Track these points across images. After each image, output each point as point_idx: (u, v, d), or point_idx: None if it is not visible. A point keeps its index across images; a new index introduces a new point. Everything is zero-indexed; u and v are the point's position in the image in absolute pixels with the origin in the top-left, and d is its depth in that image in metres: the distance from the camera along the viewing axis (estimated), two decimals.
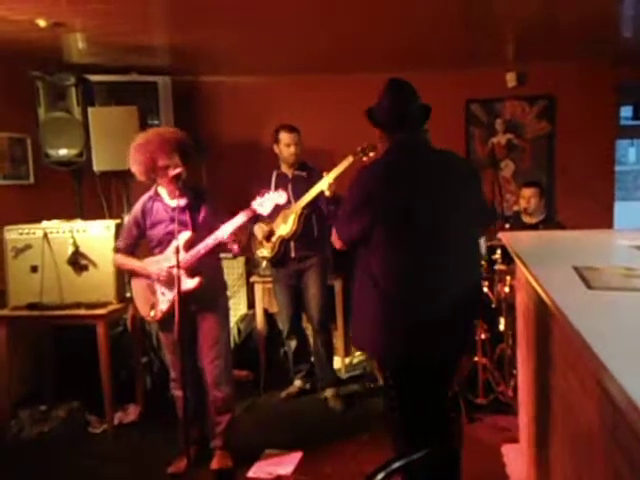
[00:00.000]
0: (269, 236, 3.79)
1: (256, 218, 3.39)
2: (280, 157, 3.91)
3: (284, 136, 3.86)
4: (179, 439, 3.03)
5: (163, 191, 2.93)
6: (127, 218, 3.06)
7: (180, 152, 2.79)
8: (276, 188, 3.88)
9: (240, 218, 2.78)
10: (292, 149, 3.84)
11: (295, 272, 3.90)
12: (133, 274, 3.04)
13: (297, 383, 4.12)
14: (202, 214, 2.91)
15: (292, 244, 3.81)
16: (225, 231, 2.76)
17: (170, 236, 2.81)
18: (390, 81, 2.31)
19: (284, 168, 3.93)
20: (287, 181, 3.89)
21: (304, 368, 4.13)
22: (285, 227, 3.76)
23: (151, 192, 2.96)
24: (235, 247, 2.90)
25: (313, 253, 3.87)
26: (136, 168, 2.83)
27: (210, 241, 2.79)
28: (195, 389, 3.00)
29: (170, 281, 2.80)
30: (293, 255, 3.83)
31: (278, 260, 3.86)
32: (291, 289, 3.96)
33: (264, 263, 4.06)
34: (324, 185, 3.60)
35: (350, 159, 3.56)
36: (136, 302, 3.05)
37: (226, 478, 2.99)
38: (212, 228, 2.83)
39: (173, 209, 2.88)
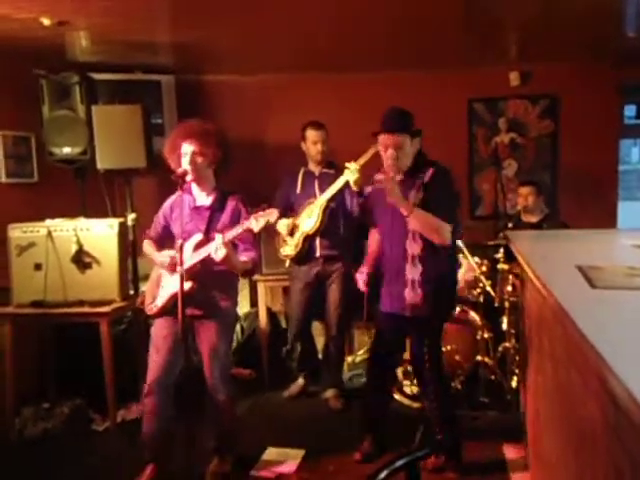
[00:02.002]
0: (292, 232, 3.71)
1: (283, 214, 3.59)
2: (307, 155, 3.87)
3: (311, 133, 3.82)
4: (145, 450, 2.95)
5: (195, 186, 2.90)
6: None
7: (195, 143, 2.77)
8: (302, 186, 3.83)
9: (234, 231, 2.68)
10: (319, 147, 3.80)
11: (317, 273, 3.80)
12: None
13: (300, 381, 4.10)
14: (224, 218, 2.85)
15: (317, 242, 3.73)
16: (217, 242, 2.65)
17: (186, 235, 2.77)
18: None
19: (311, 166, 3.89)
20: (313, 178, 3.84)
21: (307, 370, 4.11)
22: (309, 222, 3.65)
23: (186, 185, 2.89)
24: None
25: (338, 253, 3.78)
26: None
27: (209, 249, 2.70)
28: (167, 395, 2.88)
29: (171, 269, 2.80)
30: (318, 254, 3.75)
31: (302, 259, 3.79)
32: (309, 288, 3.86)
33: (287, 262, 3.91)
34: (349, 176, 3.51)
35: (375, 149, 3.35)
36: (146, 291, 3.04)
37: None
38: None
39: (195, 208, 2.87)
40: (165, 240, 2.99)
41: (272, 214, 2.67)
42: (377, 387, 3.18)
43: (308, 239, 3.71)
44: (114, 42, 3.82)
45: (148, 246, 3.02)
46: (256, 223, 2.64)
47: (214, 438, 3.03)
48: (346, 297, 3.82)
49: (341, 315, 3.85)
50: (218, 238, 2.66)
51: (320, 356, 4.20)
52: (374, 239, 3.18)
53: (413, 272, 2.82)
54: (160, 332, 2.89)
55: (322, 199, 3.65)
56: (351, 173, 3.49)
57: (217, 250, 2.63)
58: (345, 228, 3.77)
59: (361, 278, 3.19)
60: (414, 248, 2.82)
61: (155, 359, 2.87)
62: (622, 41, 4.17)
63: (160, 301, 2.89)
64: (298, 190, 3.84)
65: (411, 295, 2.83)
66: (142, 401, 2.94)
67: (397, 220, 2.82)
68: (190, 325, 2.87)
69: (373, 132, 2.92)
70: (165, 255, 2.87)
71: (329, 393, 3.93)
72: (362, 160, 3.48)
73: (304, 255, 3.75)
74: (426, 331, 2.90)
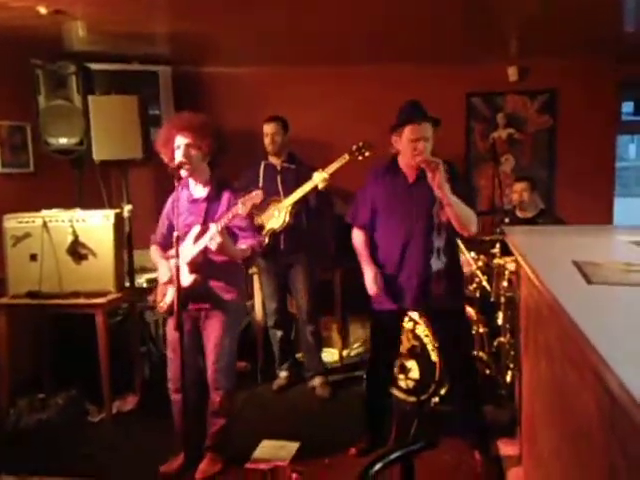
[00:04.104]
0: (259, 229, 3.77)
1: None
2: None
3: (264, 127, 3.94)
4: (175, 441, 2.99)
5: (190, 179, 2.89)
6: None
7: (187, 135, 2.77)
8: (264, 179, 3.93)
9: (225, 218, 2.69)
10: (268, 139, 3.91)
11: (283, 264, 3.94)
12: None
13: (283, 374, 4.14)
14: (221, 208, 2.84)
15: (281, 236, 3.83)
16: (212, 231, 2.65)
17: (188, 228, 2.78)
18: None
19: (271, 159, 3.97)
20: (275, 173, 3.93)
21: (289, 358, 4.18)
22: (277, 220, 3.78)
23: (183, 180, 2.88)
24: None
25: (301, 246, 3.89)
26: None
27: (205, 239, 2.71)
28: (193, 390, 2.91)
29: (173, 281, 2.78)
30: (282, 247, 3.85)
31: (267, 252, 3.86)
32: (278, 279, 4.00)
33: None
34: (318, 180, 3.61)
35: (346, 157, 3.57)
36: (157, 288, 3.03)
37: None
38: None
39: (193, 200, 2.87)
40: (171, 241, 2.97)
41: (257, 197, 2.68)
42: (380, 386, 3.22)
43: (273, 235, 3.81)
44: (111, 32, 3.79)
45: (155, 253, 3.01)
46: (243, 207, 2.65)
47: (208, 436, 3.00)
48: (312, 285, 3.98)
49: (310, 302, 3.96)
50: (212, 227, 2.67)
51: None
52: (361, 236, 3.06)
53: (438, 264, 2.88)
54: (171, 332, 2.90)
55: (288, 201, 3.76)
56: (319, 180, 3.60)
57: (212, 239, 2.64)
58: (308, 224, 3.90)
59: (374, 279, 2.92)
60: (439, 241, 2.88)
61: (172, 358, 2.91)
62: (621, 37, 4.17)
63: (169, 298, 2.88)
64: (260, 184, 3.90)
65: (437, 288, 2.89)
66: (171, 396, 2.97)
67: (421, 214, 2.85)
68: (197, 318, 2.89)
69: (395, 125, 2.85)
70: (166, 273, 2.87)
71: (315, 381, 4.01)
72: (331, 169, 3.59)
73: (269, 249, 3.83)
74: (460, 322, 3.08)
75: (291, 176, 3.87)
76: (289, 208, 3.76)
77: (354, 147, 3.55)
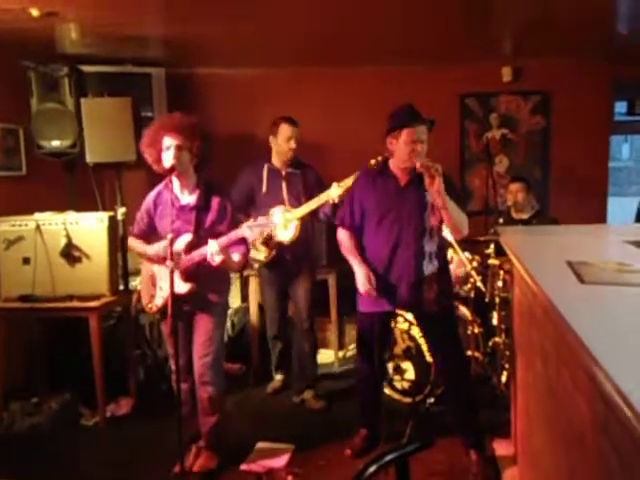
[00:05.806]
0: (268, 240, 3.63)
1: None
2: (275, 150, 3.70)
3: (286, 129, 3.62)
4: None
5: (176, 182, 2.82)
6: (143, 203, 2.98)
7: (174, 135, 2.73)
8: (268, 184, 3.71)
9: (227, 239, 2.68)
10: (292, 143, 3.62)
11: (285, 274, 3.79)
12: (142, 257, 2.99)
13: (278, 377, 4.09)
14: (212, 216, 2.81)
15: (288, 246, 3.70)
16: (212, 247, 2.64)
17: (175, 233, 2.71)
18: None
19: (277, 163, 3.72)
20: (280, 179, 3.70)
21: (284, 366, 4.09)
22: (287, 233, 3.60)
23: (167, 180, 2.84)
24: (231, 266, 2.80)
25: (306, 253, 3.77)
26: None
27: (203, 252, 2.70)
28: (194, 385, 2.94)
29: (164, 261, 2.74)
30: (288, 257, 3.70)
31: (272, 263, 3.76)
32: (281, 289, 3.87)
33: (256, 265, 3.87)
34: (333, 195, 3.42)
35: (357, 176, 3.40)
36: (141, 290, 3.02)
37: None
38: (216, 232, 2.74)
39: (180, 207, 2.80)
40: (150, 237, 2.95)
41: (268, 227, 2.68)
42: (370, 386, 3.21)
43: (280, 246, 3.66)
44: (104, 34, 3.78)
45: (135, 242, 2.99)
46: (250, 233, 2.65)
47: (202, 436, 3.00)
48: (313, 292, 3.84)
49: (310, 308, 3.82)
50: (213, 245, 2.64)
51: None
52: (346, 236, 3.05)
53: (430, 268, 2.89)
54: (167, 332, 2.92)
55: (300, 212, 3.57)
56: (336, 196, 3.41)
57: (214, 256, 2.64)
58: (312, 230, 3.81)
59: (367, 277, 2.90)
60: (431, 245, 2.89)
61: (172, 353, 2.89)
62: (614, 38, 4.19)
63: (159, 301, 2.89)
64: (264, 189, 3.71)
65: (430, 291, 2.89)
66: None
67: (412, 217, 2.86)
68: (188, 318, 2.89)
69: (392, 128, 2.83)
70: (158, 246, 2.82)
71: (307, 394, 3.85)
72: (346, 184, 3.40)
73: (274, 260, 3.71)
74: (449, 324, 3.06)
75: (297, 182, 3.68)
76: (300, 220, 3.58)
77: (372, 162, 3.41)
